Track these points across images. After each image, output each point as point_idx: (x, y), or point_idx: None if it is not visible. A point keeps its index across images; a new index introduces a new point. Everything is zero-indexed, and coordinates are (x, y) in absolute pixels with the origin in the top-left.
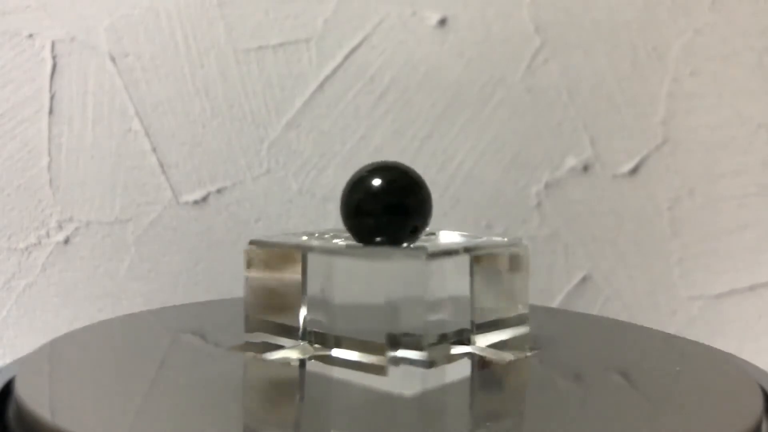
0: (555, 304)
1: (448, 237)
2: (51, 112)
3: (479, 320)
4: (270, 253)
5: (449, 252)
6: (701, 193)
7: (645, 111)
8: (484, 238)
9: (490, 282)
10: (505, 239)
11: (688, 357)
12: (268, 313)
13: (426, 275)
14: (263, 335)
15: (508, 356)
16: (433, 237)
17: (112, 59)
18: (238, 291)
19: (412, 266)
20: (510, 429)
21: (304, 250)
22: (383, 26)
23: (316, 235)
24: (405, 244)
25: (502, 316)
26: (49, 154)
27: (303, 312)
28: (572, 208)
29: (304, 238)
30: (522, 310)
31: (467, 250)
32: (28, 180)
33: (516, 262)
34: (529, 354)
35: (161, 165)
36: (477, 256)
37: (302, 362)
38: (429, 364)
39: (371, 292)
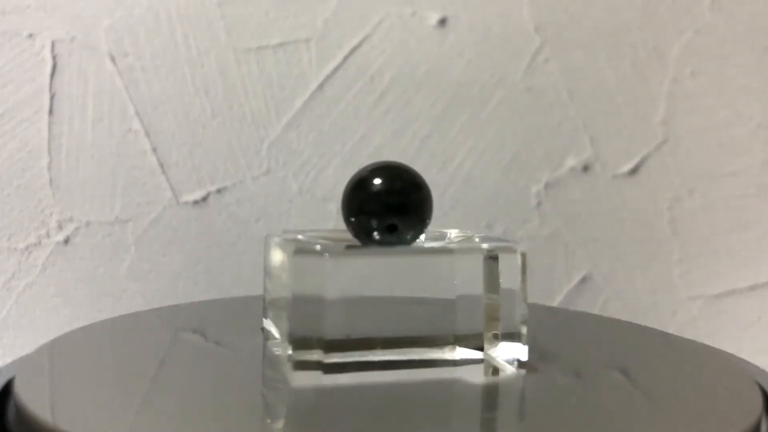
0: (555, 304)
1: (459, 236)
2: (51, 112)
3: (485, 321)
4: (280, 249)
5: (438, 250)
6: (701, 193)
7: (645, 111)
8: (489, 238)
9: (494, 283)
10: (505, 240)
11: (687, 357)
12: (275, 307)
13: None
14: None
15: (509, 367)
16: (443, 236)
17: (112, 59)
18: (238, 291)
19: (405, 263)
20: (510, 427)
21: (298, 251)
22: (383, 26)
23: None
24: (405, 244)
25: (505, 317)
26: (49, 154)
27: (299, 312)
28: (572, 208)
29: (300, 237)
30: (522, 310)
31: (463, 250)
32: (28, 180)
33: (517, 263)
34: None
35: (161, 165)
36: (488, 257)
37: (304, 363)
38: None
39: (369, 291)
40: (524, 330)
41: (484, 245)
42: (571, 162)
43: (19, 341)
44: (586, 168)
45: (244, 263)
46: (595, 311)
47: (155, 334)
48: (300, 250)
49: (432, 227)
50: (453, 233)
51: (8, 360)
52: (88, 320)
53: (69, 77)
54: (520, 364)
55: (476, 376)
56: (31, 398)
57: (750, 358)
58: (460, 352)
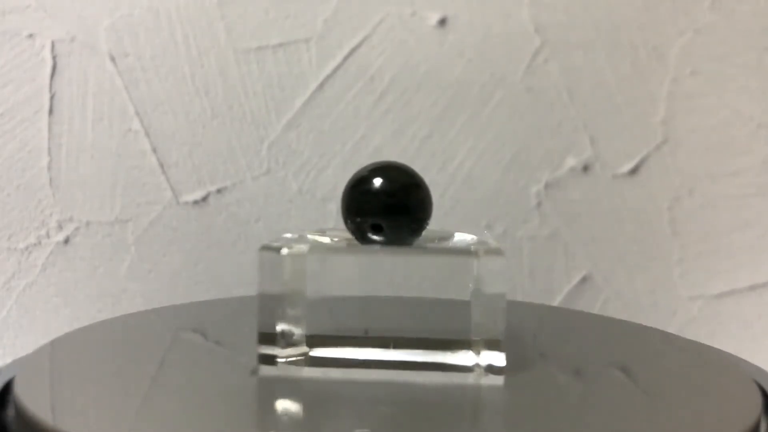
0: (555, 304)
1: (463, 237)
2: (51, 112)
3: (458, 324)
4: (282, 255)
5: (451, 251)
6: (701, 193)
7: (645, 111)
8: (481, 237)
9: (473, 286)
10: (489, 242)
11: (687, 356)
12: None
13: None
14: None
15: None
16: (449, 237)
17: (112, 59)
18: (238, 291)
19: (408, 263)
20: (511, 424)
21: (264, 247)
22: (383, 26)
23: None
24: (396, 244)
25: (482, 321)
26: (49, 154)
27: (262, 307)
28: (572, 208)
29: (311, 239)
30: (502, 315)
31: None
32: (28, 180)
33: (500, 267)
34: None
35: (161, 165)
36: (467, 259)
37: (307, 362)
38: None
39: (385, 291)
40: (502, 336)
41: (465, 247)
42: (571, 162)
43: (19, 341)
44: (586, 168)
45: (244, 263)
46: (595, 311)
47: (155, 334)
48: (265, 247)
49: (433, 227)
50: (451, 235)
51: (8, 360)
52: (88, 320)
53: (69, 77)
54: (497, 370)
55: (446, 378)
56: (31, 398)
57: (750, 358)
58: (430, 355)
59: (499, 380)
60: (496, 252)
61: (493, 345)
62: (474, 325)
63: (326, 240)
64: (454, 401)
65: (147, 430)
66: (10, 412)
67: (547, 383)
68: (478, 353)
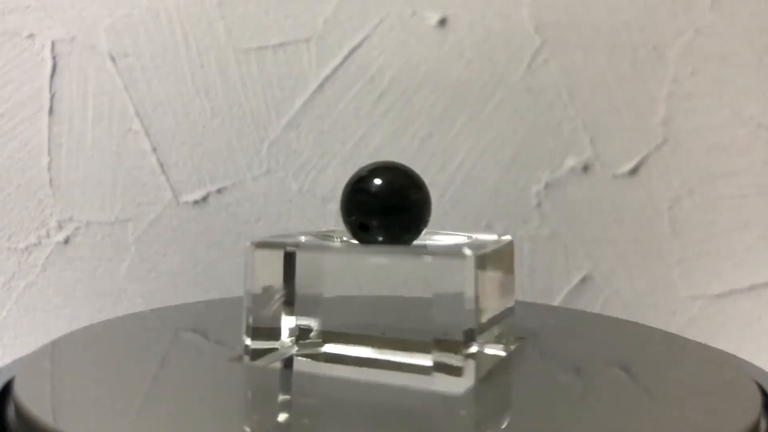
0: (555, 303)
1: (447, 237)
2: (51, 112)
3: (481, 320)
4: (271, 252)
5: (450, 252)
6: (701, 193)
7: (645, 111)
8: (478, 237)
9: (487, 281)
10: (494, 236)
11: (687, 356)
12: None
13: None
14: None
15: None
16: (435, 237)
17: (112, 59)
18: (238, 291)
19: (413, 264)
20: (510, 422)
21: (294, 250)
22: (383, 26)
23: (316, 234)
24: (404, 244)
25: (496, 314)
26: (49, 154)
27: (299, 310)
28: (572, 208)
29: (302, 238)
30: (509, 304)
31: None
32: (28, 180)
33: (504, 258)
34: (512, 348)
35: (161, 165)
36: (479, 256)
37: (307, 359)
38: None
39: (368, 290)
40: (462, 338)
41: (435, 248)
42: (571, 162)
43: (19, 341)
44: (586, 168)
45: None
46: (596, 311)
47: (155, 334)
48: (252, 244)
49: (434, 227)
50: (443, 235)
51: (8, 360)
52: (88, 320)
53: (69, 77)
54: (456, 372)
55: (401, 380)
56: (31, 398)
57: (750, 358)
58: (397, 355)
59: (457, 383)
60: (458, 254)
61: (451, 347)
62: (433, 326)
63: (320, 239)
64: (412, 405)
65: (147, 430)
66: (10, 412)
67: (546, 382)
68: (438, 354)
